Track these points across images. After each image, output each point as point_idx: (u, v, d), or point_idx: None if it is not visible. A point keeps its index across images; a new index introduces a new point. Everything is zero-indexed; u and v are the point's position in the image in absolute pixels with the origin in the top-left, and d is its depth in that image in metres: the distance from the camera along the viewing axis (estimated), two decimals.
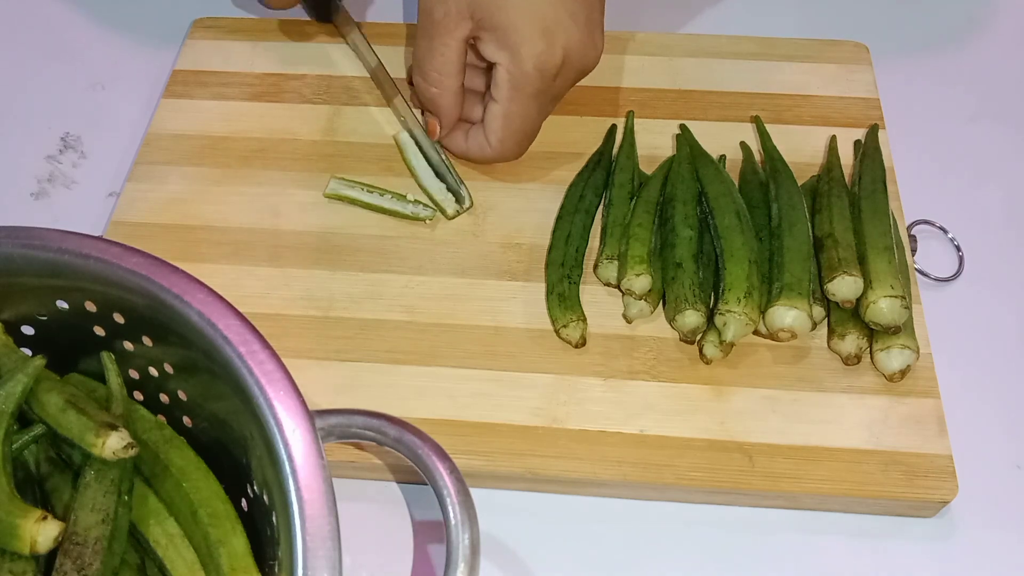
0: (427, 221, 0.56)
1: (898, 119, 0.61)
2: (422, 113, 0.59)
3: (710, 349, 0.49)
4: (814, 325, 0.50)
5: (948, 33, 0.68)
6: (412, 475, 0.48)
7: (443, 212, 0.56)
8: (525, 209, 0.56)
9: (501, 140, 0.55)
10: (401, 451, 0.38)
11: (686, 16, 0.68)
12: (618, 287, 0.51)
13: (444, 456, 0.38)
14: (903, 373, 0.48)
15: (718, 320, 0.48)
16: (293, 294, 0.53)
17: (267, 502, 0.36)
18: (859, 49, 0.63)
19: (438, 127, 0.57)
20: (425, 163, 0.58)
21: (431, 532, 0.47)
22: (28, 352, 0.43)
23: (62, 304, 0.41)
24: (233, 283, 0.54)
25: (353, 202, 0.57)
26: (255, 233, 0.56)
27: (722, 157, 0.57)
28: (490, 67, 0.54)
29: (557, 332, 0.51)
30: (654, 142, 0.59)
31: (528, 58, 0.51)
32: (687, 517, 0.48)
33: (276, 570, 0.36)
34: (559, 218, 0.55)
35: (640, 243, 0.51)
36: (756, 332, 0.50)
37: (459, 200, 0.56)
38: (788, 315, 0.48)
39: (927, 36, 0.68)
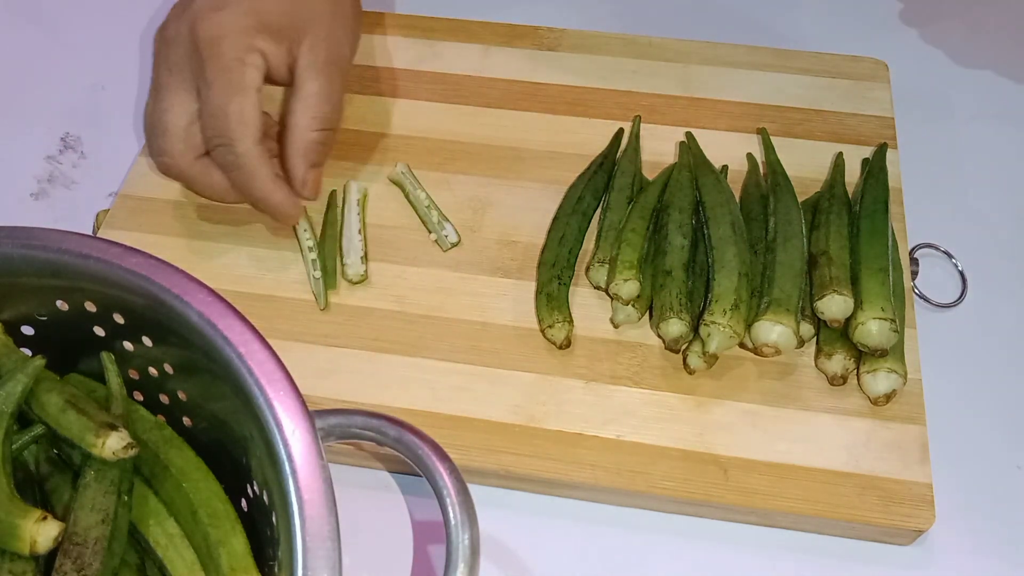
0: (438, 244, 0.55)
1: (913, 140, 0.60)
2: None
3: (694, 359, 0.49)
4: (801, 342, 0.49)
5: (975, 54, 0.66)
6: (409, 465, 0.48)
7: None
8: (524, 207, 0.56)
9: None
10: (401, 451, 0.38)
11: (705, 23, 0.68)
12: (607, 291, 0.51)
13: (444, 456, 0.38)
14: (888, 397, 0.48)
15: (703, 331, 0.48)
16: (288, 277, 0.54)
17: (267, 502, 0.36)
18: (878, 66, 0.62)
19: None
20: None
21: (431, 532, 0.47)
22: (28, 352, 0.43)
23: (62, 304, 0.41)
24: (230, 263, 0.54)
25: (404, 192, 0.57)
26: (255, 214, 0.56)
27: (724, 167, 0.57)
28: None
29: (543, 332, 0.51)
30: (661, 148, 0.58)
31: None
32: (682, 527, 0.47)
33: (276, 570, 0.36)
34: (555, 219, 0.55)
35: (632, 248, 0.51)
36: (742, 345, 0.49)
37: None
38: (773, 331, 0.47)
39: (952, 56, 0.66)
